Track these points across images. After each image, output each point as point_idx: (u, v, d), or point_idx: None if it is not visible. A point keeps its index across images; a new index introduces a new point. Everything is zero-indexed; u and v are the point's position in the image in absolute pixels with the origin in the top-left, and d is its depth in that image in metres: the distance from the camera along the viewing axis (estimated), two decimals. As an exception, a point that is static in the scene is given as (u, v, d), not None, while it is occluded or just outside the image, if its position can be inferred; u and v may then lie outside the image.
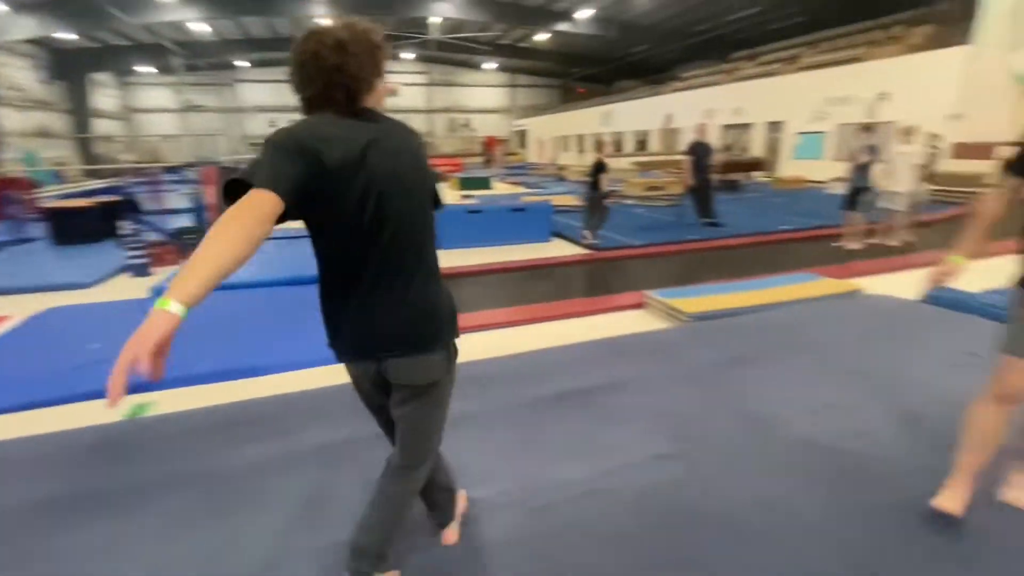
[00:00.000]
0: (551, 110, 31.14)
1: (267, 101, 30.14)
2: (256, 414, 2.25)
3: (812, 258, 5.41)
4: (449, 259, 5.41)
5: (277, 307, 3.97)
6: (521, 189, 13.33)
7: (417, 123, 31.91)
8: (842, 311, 3.44)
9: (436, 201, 1.19)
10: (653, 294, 3.80)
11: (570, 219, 7.98)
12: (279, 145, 0.95)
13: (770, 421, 2.08)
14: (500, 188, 13.54)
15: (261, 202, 0.88)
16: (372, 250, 1.05)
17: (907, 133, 5.85)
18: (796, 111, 14.83)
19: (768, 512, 1.57)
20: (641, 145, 21.72)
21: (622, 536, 1.50)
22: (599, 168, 6.20)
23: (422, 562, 1.40)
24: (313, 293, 1.17)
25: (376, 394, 1.22)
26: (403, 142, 1.10)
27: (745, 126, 16.92)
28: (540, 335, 3.36)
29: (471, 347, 3.09)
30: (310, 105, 1.07)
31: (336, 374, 1.44)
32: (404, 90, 31.64)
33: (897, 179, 5.82)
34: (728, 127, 17.53)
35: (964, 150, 9.36)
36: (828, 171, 11.77)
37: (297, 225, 1.06)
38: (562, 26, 21.61)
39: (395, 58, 28.93)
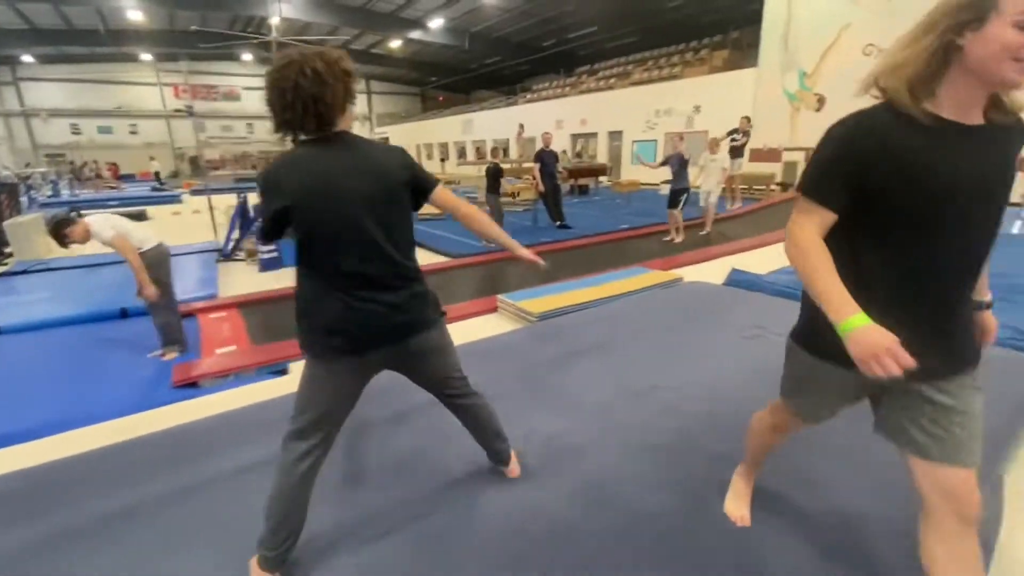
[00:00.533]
0: (413, 118, 30.83)
1: (64, 104, 25.19)
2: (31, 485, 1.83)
3: (646, 253, 6.02)
4: (292, 278, 5.06)
5: (70, 351, 3.32)
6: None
7: (263, 130, 29.41)
8: (665, 298, 3.86)
9: (422, 195, 1.42)
10: (504, 297, 3.91)
11: (430, 227, 7.92)
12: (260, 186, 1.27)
13: (597, 407, 2.23)
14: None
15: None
16: (356, 261, 1.28)
17: (715, 143, 6.94)
18: (631, 121, 16.52)
19: (591, 491, 1.67)
20: (502, 153, 22.46)
21: (465, 553, 1.48)
22: (497, 173, 6.87)
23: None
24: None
25: (359, 383, 1.42)
26: (373, 164, 1.29)
27: (591, 135, 18.40)
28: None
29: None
30: (286, 126, 1.25)
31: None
32: (246, 95, 28.95)
33: (708, 182, 6.88)
34: (576, 136, 18.92)
35: (757, 155, 11.21)
36: (660, 175, 13.28)
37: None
38: (415, 34, 21.50)
39: (234, 59, 26.40)
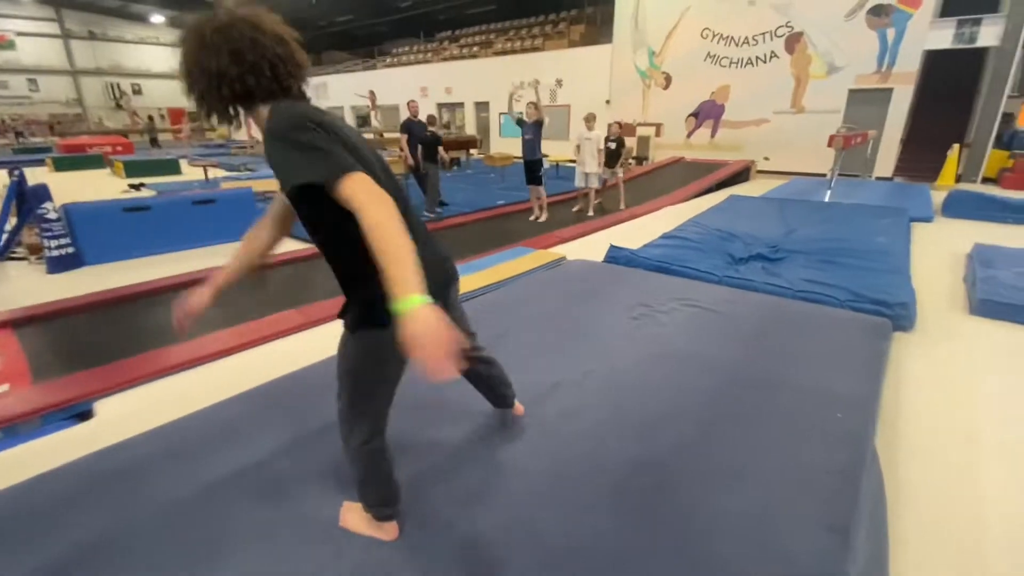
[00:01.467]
0: (252, 79, 27.18)
1: None
2: None
3: (525, 231, 5.91)
4: (99, 280, 3.98)
5: None
6: (221, 173, 11.17)
7: (59, 88, 23.81)
8: (551, 280, 3.73)
9: None
10: (379, 291, 3.46)
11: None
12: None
13: (497, 417, 1.99)
14: (190, 173, 11.09)
15: (373, 182, 0.95)
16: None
17: (590, 120, 6.72)
18: (497, 93, 16.31)
19: (500, 521, 1.43)
20: (363, 122, 20.88)
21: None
22: (437, 141, 6.82)
23: None
24: None
25: None
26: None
27: (457, 105, 17.86)
28: (251, 365, 2.67)
29: (132, 412, 2.26)
30: (247, 95, 1.07)
31: None
32: (30, 43, 23.08)
33: (584, 160, 6.74)
34: (442, 105, 18.23)
35: (617, 129, 11.75)
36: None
37: None
38: (248, -19, 18.64)
39: (-7, -7, 20.63)
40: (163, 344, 2.86)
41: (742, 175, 10.00)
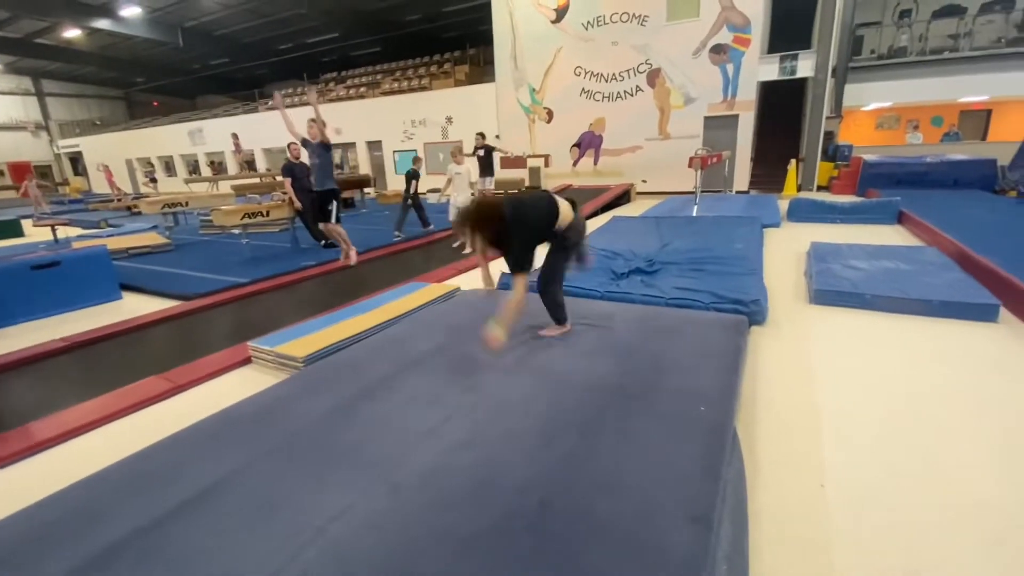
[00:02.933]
0: (117, 127, 24.83)
1: None
2: None
3: (422, 265, 5.88)
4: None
5: None
6: (76, 231, 9.94)
7: None
8: (444, 313, 3.74)
9: None
10: (258, 344, 3.24)
11: (152, 263, 6.38)
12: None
13: (383, 465, 1.92)
14: (35, 233, 9.76)
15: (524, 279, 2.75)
16: None
17: (457, 154, 6.68)
18: (389, 131, 16.34)
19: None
20: (219, 167, 19.87)
21: None
22: (414, 176, 7.37)
23: None
24: None
25: None
26: None
27: (349, 145, 17.58)
28: (95, 450, 2.35)
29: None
30: None
31: None
32: None
33: (457, 193, 6.58)
34: (333, 146, 17.85)
35: (506, 162, 12.24)
36: (424, 184, 13.45)
37: None
38: (101, 23, 17.19)
39: None
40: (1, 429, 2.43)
41: (624, 197, 10.82)
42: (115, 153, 22.70)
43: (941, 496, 1.80)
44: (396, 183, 15.85)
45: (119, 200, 14.80)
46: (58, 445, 2.45)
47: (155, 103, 27.37)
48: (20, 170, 22.02)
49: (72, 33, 18.60)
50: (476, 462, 1.90)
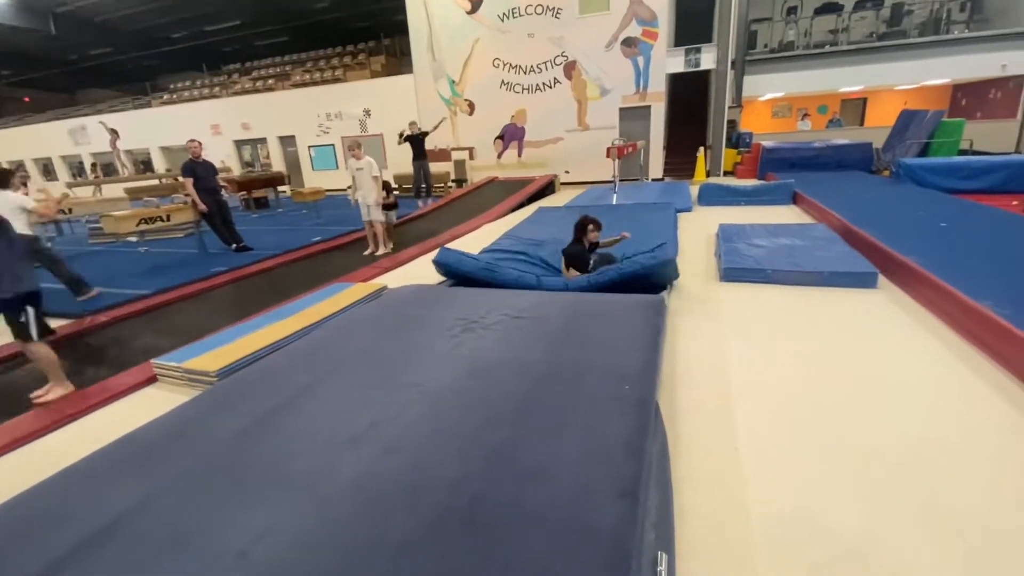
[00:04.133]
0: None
1: None
2: None
3: (347, 265, 5.66)
4: None
5: None
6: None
7: None
8: (370, 313, 3.62)
9: None
10: (164, 360, 2.98)
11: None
12: None
13: (308, 482, 1.83)
14: None
15: None
16: None
17: (355, 148, 6.04)
18: (303, 126, 15.51)
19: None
20: (108, 170, 18.06)
21: None
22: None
23: None
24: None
25: None
26: None
27: (258, 141, 16.51)
28: (2, 473, 2.06)
29: None
30: None
31: None
32: None
33: (363, 193, 6.05)
34: (241, 142, 16.70)
35: (431, 155, 12.04)
36: (344, 180, 12.96)
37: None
38: (-48, 7, 14.90)
39: None
40: None
41: (549, 188, 11.01)
42: (-22, 156, 19.86)
43: (837, 448, 2.00)
44: (313, 180, 15.13)
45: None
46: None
47: (26, 99, 24.18)
48: None
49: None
50: (405, 466, 1.86)
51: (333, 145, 15.25)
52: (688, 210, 7.42)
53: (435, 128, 11.03)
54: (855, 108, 14.64)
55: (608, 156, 7.68)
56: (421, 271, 4.63)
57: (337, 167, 15.19)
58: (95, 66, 21.79)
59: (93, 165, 18.17)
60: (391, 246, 6.40)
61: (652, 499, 1.67)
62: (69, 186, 13.78)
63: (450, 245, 6.28)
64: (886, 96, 13.77)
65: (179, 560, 1.50)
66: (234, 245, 6.66)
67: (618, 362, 2.53)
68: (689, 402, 2.39)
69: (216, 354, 2.98)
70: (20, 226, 4.06)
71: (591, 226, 4.27)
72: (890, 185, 7.89)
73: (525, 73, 12.23)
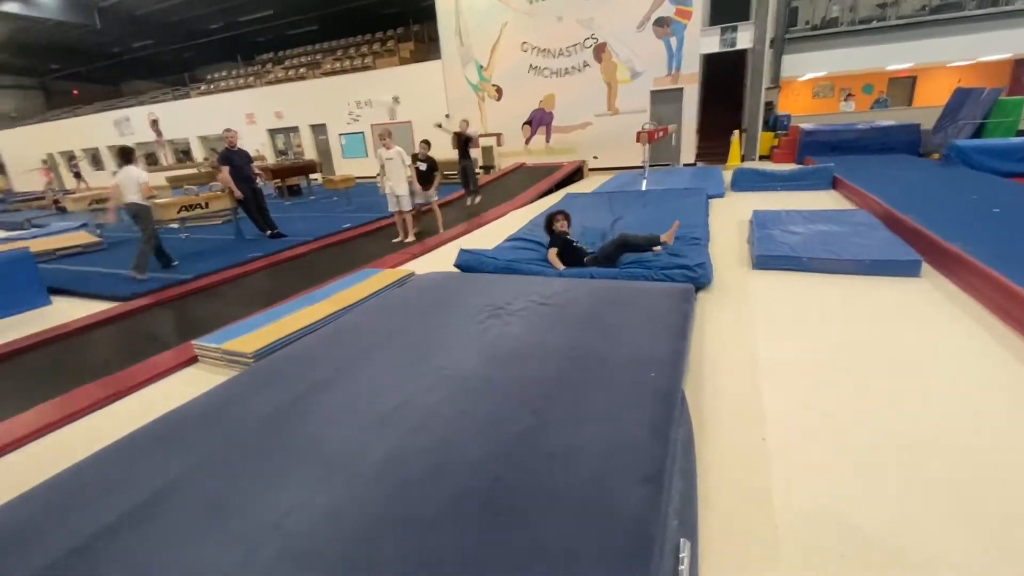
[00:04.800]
0: (33, 119, 22.82)
1: None
2: None
3: (376, 252, 5.76)
4: None
5: None
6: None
7: None
8: (398, 299, 3.69)
9: None
10: (204, 341, 3.11)
11: (82, 264, 5.99)
12: None
13: (337, 462, 1.88)
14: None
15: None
16: None
17: (385, 137, 6.06)
18: (333, 114, 15.72)
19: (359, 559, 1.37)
20: (151, 159, 18.74)
21: None
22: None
23: None
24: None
25: None
26: None
27: (291, 129, 16.83)
28: (52, 452, 2.22)
29: None
30: None
31: None
32: None
33: (393, 182, 6.04)
34: (275, 131, 17.05)
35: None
36: (373, 168, 13.11)
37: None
38: (9, 6, 15.62)
39: None
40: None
41: (577, 174, 10.89)
42: (35, 147, 20.92)
43: (870, 441, 1.94)
44: (343, 167, 15.35)
45: (54, 198, 13.62)
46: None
47: (75, 92, 25.25)
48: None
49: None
50: (431, 447, 1.91)
51: (363, 133, 15.43)
52: (720, 196, 7.23)
53: (479, 137, 10.65)
54: (903, 87, 13.88)
55: (638, 141, 7.53)
56: (449, 258, 4.66)
57: (367, 155, 15.37)
58: (137, 59, 22.56)
59: (143, 155, 18.92)
60: (410, 238, 6.38)
61: (676, 486, 1.67)
62: (115, 175, 14.38)
63: (476, 232, 6.31)
64: (938, 74, 13.00)
65: (217, 531, 1.58)
66: (268, 232, 6.85)
67: (644, 349, 2.51)
68: (717, 391, 2.36)
69: (252, 336, 3.10)
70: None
71: (559, 216, 4.39)
72: (939, 168, 7.48)
73: (554, 56, 12.05)
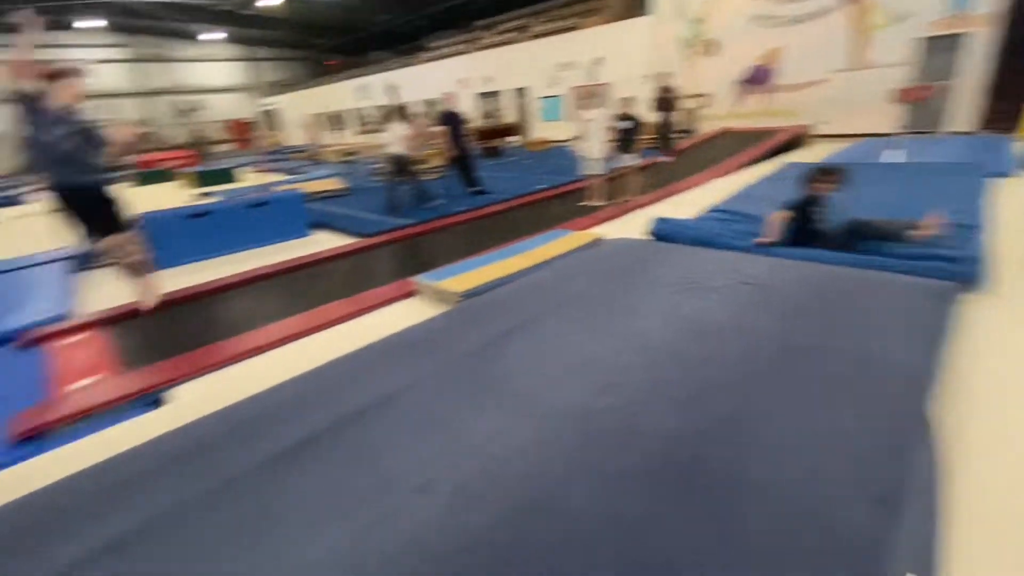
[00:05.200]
0: (302, 86, 28.32)
1: None
2: None
3: (564, 213, 5.87)
4: (172, 281, 4.32)
5: None
6: (276, 177, 11.76)
7: (129, 110, 25.74)
8: (587, 261, 3.71)
9: None
10: (422, 278, 3.58)
11: (332, 206, 7.29)
12: None
13: (531, 400, 2.01)
14: (251, 179, 11.75)
15: None
16: None
17: (586, 98, 6.16)
18: (535, 77, 16.14)
19: (531, 523, 1.47)
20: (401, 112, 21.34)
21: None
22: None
23: None
24: None
25: None
26: None
27: (496, 93, 17.83)
28: (297, 356, 2.85)
29: (198, 399, 2.46)
30: None
31: None
32: (99, 68, 24.98)
33: (589, 144, 5.93)
34: (483, 95, 18.26)
35: (623, 107, 11.31)
36: (568, 131, 13.20)
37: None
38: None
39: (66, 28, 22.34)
40: (223, 337, 3.10)
41: (796, 141, 9.43)
42: (302, 109, 26.03)
43: None
44: (542, 130, 15.78)
45: (315, 151, 16.94)
46: (259, 355, 2.98)
47: (332, 62, 30.49)
48: (237, 126, 26.51)
49: (268, 2, 21.26)
50: (620, 408, 1.90)
51: (561, 96, 15.57)
52: (1005, 175, 5.56)
53: (683, 98, 9.84)
54: None
55: (897, 100, 6.13)
56: (639, 225, 4.51)
57: (564, 118, 15.53)
58: (377, 32, 26.10)
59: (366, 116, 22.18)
60: (601, 203, 6.33)
61: (914, 517, 1.39)
62: (356, 134, 17.11)
63: (671, 200, 5.96)
64: None
65: (428, 438, 1.83)
66: (473, 189, 7.48)
67: (882, 352, 2.11)
68: (980, 415, 1.87)
69: (460, 278, 3.46)
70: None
71: (830, 174, 3.55)
72: None
73: (786, 1, 10.38)
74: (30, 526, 1.58)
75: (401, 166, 6.82)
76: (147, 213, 5.02)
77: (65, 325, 3.41)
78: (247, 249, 5.25)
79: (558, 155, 10.96)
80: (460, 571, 1.29)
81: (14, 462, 2.09)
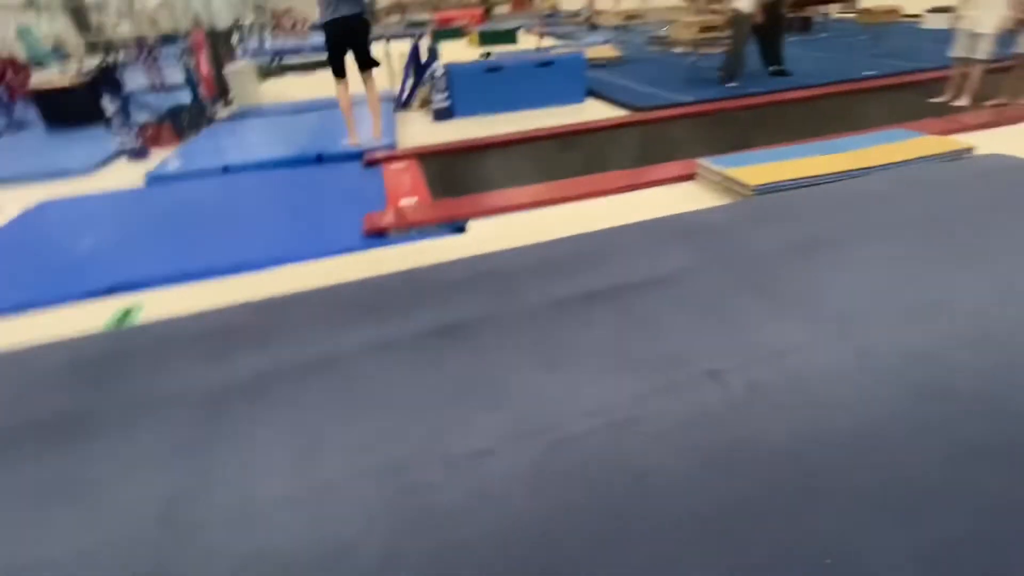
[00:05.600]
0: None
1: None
2: (253, 319, 1.99)
3: (903, 111, 4.47)
4: (466, 129, 4.78)
5: (278, 192, 3.62)
6: (550, 42, 11.71)
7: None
8: (948, 176, 2.77)
9: None
10: (707, 162, 3.19)
11: (606, 74, 6.97)
12: None
13: (850, 327, 1.64)
14: (528, 42, 11.97)
15: None
16: None
17: None
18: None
19: (844, 449, 1.22)
20: None
21: (657, 477, 1.20)
22: None
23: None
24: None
25: None
26: None
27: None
28: (574, 216, 2.92)
29: (491, 234, 2.76)
30: None
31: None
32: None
33: (981, 18, 4.26)
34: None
35: None
36: (924, 1, 9.65)
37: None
38: None
39: None
40: (509, 186, 3.35)
41: None
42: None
43: None
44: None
45: (587, 17, 16.26)
46: (540, 208, 3.12)
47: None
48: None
49: None
50: (987, 369, 1.43)
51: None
52: None
53: None
54: None
55: None
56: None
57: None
58: None
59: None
60: (965, 102, 4.56)
61: None
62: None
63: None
64: None
65: (713, 325, 1.67)
66: (772, 68, 6.22)
67: None
68: None
69: (754, 170, 2.98)
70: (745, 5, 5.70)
71: None
72: None
73: None
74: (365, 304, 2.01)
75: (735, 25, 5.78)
76: (449, 64, 5.54)
77: (395, 152, 4.14)
78: (528, 108, 5.43)
79: (903, 33, 8.28)
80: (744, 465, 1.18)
81: (364, 248, 2.69)
